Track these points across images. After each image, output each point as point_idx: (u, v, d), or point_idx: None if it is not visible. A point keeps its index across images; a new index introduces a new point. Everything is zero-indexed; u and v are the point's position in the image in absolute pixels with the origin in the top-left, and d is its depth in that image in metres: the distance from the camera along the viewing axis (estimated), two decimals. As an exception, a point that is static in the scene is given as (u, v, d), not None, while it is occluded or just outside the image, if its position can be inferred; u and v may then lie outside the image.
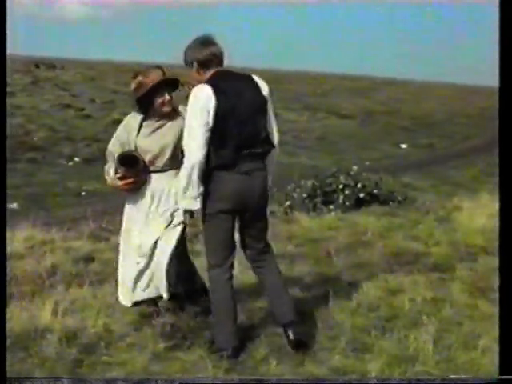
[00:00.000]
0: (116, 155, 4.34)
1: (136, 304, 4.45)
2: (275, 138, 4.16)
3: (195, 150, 3.87)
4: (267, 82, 4.19)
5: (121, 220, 4.57)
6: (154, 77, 4.25)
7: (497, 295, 3.99)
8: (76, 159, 20.50)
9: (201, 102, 3.89)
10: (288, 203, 10.69)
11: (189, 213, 4.03)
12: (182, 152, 4.04)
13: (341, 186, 10.54)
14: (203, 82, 3.99)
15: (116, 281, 4.63)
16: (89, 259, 6.67)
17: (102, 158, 5.22)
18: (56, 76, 38.18)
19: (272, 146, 4.14)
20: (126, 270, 4.40)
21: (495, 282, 4.75)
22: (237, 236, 4.22)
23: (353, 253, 6.62)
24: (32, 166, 19.39)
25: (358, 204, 10.18)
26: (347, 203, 10.24)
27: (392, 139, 29.64)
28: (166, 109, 4.29)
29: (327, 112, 36.58)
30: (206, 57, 4.01)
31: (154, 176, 4.35)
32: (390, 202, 10.42)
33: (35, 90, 33.08)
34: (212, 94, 3.88)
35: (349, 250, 6.74)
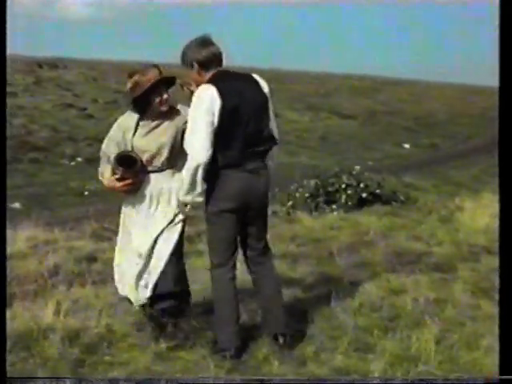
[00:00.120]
0: (113, 156, 4.27)
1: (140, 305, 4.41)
2: (276, 135, 4.17)
3: (201, 150, 3.86)
4: (269, 81, 4.19)
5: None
6: (151, 76, 4.18)
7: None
8: (78, 159, 20.52)
9: (206, 103, 3.87)
10: (290, 203, 10.69)
11: (184, 204, 4.07)
12: (181, 152, 4.06)
13: (343, 186, 10.55)
14: (203, 82, 3.98)
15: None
16: (91, 259, 6.68)
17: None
18: (58, 76, 38.16)
19: (274, 143, 4.15)
20: (126, 270, 4.37)
21: (497, 282, 4.74)
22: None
23: (355, 253, 6.62)
24: (34, 166, 19.42)
25: (361, 204, 10.19)
26: (349, 203, 10.25)
27: (394, 139, 29.64)
28: (164, 108, 4.23)
29: (330, 112, 36.56)
30: (206, 57, 3.99)
31: (151, 176, 4.29)
32: (393, 202, 10.43)
33: (37, 90, 33.07)
34: (217, 95, 3.87)
35: (351, 249, 6.74)
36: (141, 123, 4.29)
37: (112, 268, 4.52)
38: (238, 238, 4.16)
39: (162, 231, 4.25)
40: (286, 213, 10.00)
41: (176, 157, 4.25)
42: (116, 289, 4.51)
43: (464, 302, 5.00)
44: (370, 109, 38.89)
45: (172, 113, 4.29)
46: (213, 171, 3.93)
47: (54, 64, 41.49)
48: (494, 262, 5.65)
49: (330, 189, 10.63)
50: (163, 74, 4.24)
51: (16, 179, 16.57)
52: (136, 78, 4.19)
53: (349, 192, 10.42)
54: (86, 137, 23.13)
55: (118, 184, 4.26)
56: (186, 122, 4.17)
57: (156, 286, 4.25)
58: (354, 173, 11.03)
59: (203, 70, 4.01)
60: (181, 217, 4.23)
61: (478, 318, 4.66)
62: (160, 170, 4.29)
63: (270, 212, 4.33)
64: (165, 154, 4.25)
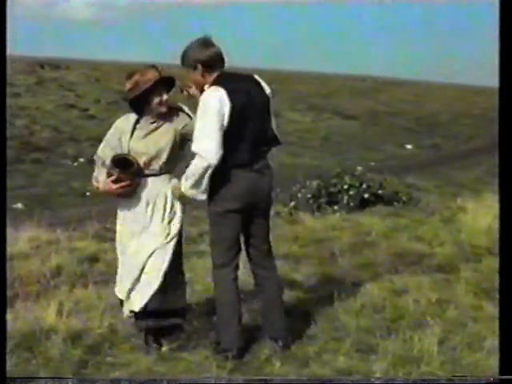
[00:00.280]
0: (109, 158, 4.17)
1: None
2: (277, 135, 4.18)
3: (213, 152, 3.84)
4: (271, 82, 4.20)
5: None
6: (151, 76, 4.12)
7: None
8: (81, 160, 20.50)
9: (217, 106, 3.85)
10: (292, 204, 10.68)
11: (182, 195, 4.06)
12: (178, 155, 4.11)
13: (345, 187, 10.53)
14: (206, 84, 3.97)
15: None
16: (93, 259, 6.68)
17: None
18: (61, 76, 38.15)
19: (278, 143, 4.16)
20: (124, 275, 4.25)
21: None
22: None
23: (357, 253, 6.62)
24: (36, 167, 19.41)
25: (363, 204, 10.18)
26: (352, 204, 10.24)
27: (396, 140, 29.59)
28: (163, 109, 4.16)
29: (332, 113, 36.52)
30: (210, 58, 3.97)
31: (148, 180, 4.19)
32: (395, 203, 10.42)
33: (40, 90, 33.07)
34: (226, 96, 3.86)
35: (353, 250, 6.74)
36: (138, 125, 4.21)
37: (114, 268, 4.50)
38: (242, 239, 4.16)
39: (155, 248, 4.12)
40: (288, 213, 9.98)
41: (174, 160, 4.21)
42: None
43: (466, 302, 4.99)
44: (372, 109, 38.85)
45: (171, 114, 4.22)
46: (220, 171, 3.92)
47: (56, 64, 41.51)
48: (497, 262, 5.62)
49: (332, 189, 10.62)
50: (162, 75, 4.20)
51: (18, 180, 16.58)
52: (135, 78, 4.12)
53: (351, 193, 10.41)
54: (88, 137, 23.09)
55: (114, 186, 4.14)
56: (185, 125, 4.16)
57: (147, 301, 4.11)
58: (356, 173, 11.02)
59: (207, 72, 3.99)
60: (175, 231, 4.15)
61: (480, 319, 4.66)
62: (157, 173, 4.19)
63: (272, 213, 4.33)
64: (164, 157, 4.16)
